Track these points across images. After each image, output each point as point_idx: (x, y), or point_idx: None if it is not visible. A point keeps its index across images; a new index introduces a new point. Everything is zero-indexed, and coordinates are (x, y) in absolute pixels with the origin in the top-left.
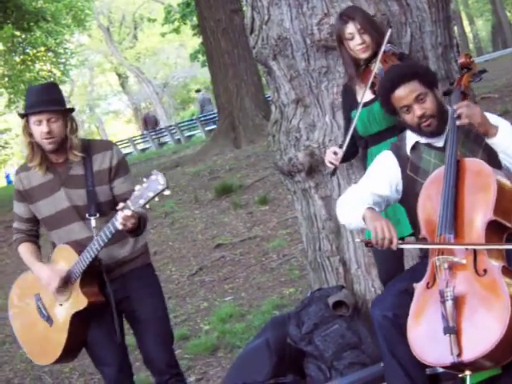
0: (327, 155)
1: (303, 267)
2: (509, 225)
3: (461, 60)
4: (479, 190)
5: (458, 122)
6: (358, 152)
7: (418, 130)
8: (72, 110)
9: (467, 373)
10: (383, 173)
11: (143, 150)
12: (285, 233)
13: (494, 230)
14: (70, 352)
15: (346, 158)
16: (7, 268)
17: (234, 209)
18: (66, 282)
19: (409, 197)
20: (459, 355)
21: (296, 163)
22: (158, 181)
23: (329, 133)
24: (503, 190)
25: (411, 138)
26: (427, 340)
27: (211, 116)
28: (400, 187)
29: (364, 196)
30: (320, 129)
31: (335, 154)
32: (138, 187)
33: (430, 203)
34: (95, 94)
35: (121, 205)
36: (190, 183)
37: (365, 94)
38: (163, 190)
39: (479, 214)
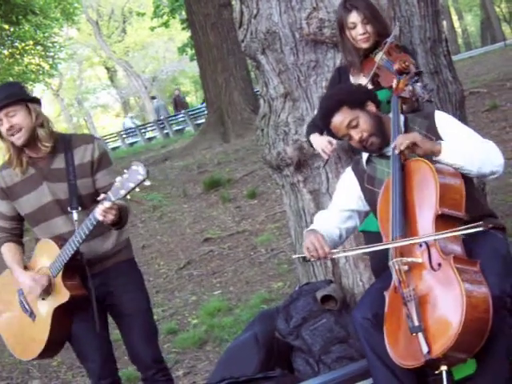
0: (321, 143)
1: (291, 261)
2: (460, 215)
3: (395, 66)
4: (423, 188)
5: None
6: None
7: (365, 150)
8: (30, 98)
9: (443, 368)
10: (345, 189)
11: (131, 144)
12: (273, 227)
13: (446, 223)
14: (52, 346)
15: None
16: None
17: (222, 203)
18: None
19: (373, 207)
20: (430, 352)
21: (285, 157)
22: (138, 171)
23: None
24: (445, 183)
25: (366, 153)
26: (400, 343)
27: (200, 110)
28: (364, 200)
29: (331, 217)
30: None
31: (330, 143)
32: (118, 178)
33: (385, 210)
34: (84, 88)
35: (102, 196)
36: (179, 177)
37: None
38: (143, 181)
39: (427, 210)
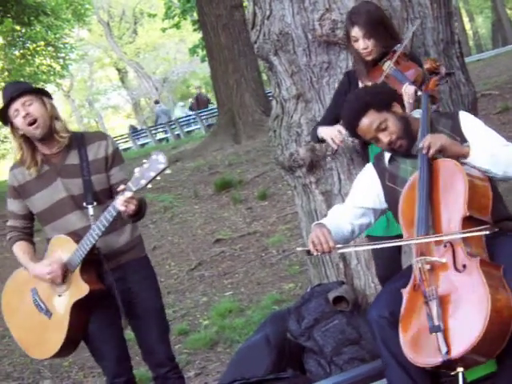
0: (330, 132)
1: (303, 263)
2: (485, 219)
3: (426, 66)
4: (452, 189)
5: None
6: None
7: (393, 152)
8: (43, 91)
9: (459, 369)
10: (364, 186)
11: (142, 145)
12: (284, 228)
13: (471, 226)
14: (69, 344)
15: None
16: (6, 262)
17: (233, 204)
18: (65, 272)
19: (392, 206)
20: (448, 353)
21: (297, 158)
22: (158, 160)
23: None
24: (475, 186)
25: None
26: (417, 342)
27: (211, 111)
28: (383, 198)
29: (345, 212)
30: None
31: (340, 132)
32: (137, 169)
33: (408, 209)
34: (95, 89)
35: (121, 186)
36: (190, 178)
37: None
38: (164, 169)
39: (454, 211)
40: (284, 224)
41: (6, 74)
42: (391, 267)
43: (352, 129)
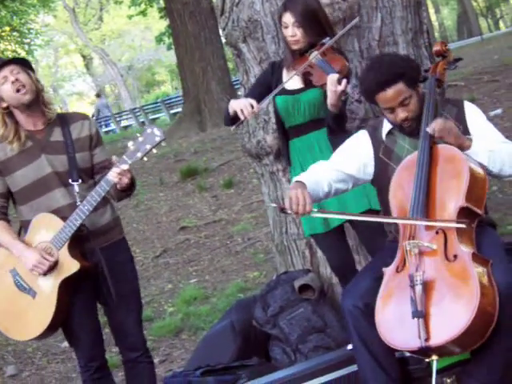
0: (241, 103)
1: (268, 251)
2: (479, 211)
3: (436, 48)
4: (452, 177)
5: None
6: None
7: (398, 127)
8: (29, 64)
9: (434, 357)
10: (355, 152)
11: (106, 132)
12: (250, 216)
13: (466, 217)
14: (54, 324)
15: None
16: None
17: (199, 192)
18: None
19: (380, 179)
20: (427, 340)
21: (264, 146)
22: (154, 133)
23: None
24: (475, 178)
25: (388, 123)
26: (395, 324)
27: (176, 99)
28: (370, 169)
29: (327, 170)
30: None
31: (251, 106)
32: (131, 142)
33: (402, 189)
34: (59, 75)
35: (114, 157)
36: (155, 166)
37: (293, 82)
38: (161, 141)
39: (451, 200)
40: (249, 212)
41: None
42: (342, 257)
43: (373, 91)
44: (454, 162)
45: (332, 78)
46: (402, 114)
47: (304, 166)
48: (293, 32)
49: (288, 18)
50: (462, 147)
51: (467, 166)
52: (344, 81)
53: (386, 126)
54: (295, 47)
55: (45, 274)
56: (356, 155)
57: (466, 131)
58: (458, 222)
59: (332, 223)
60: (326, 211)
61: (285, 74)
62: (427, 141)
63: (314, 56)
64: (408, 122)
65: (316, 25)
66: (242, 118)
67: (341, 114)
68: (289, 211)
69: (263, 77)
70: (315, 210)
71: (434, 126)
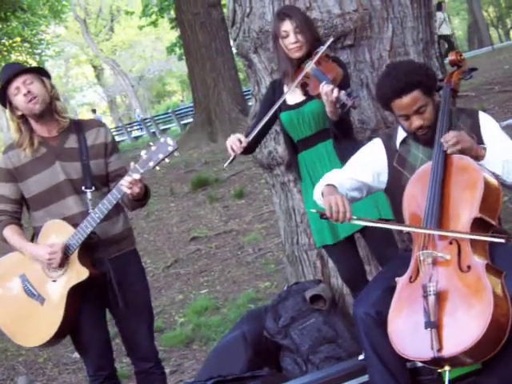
0: (230, 140)
1: (278, 261)
2: (493, 222)
3: (451, 57)
4: (466, 187)
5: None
6: (254, 150)
7: (412, 135)
8: (43, 71)
9: (446, 368)
10: (369, 160)
11: (118, 142)
12: (260, 227)
13: (479, 227)
14: (62, 332)
15: (248, 151)
16: None
17: (209, 202)
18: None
19: (394, 188)
20: (439, 350)
21: (275, 156)
22: (167, 143)
23: None
24: (489, 188)
25: (402, 131)
26: (408, 334)
27: (187, 110)
28: (384, 178)
29: (342, 179)
30: None
31: (239, 141)
32: (144, 152)
33: (416, 199)
34: (70, 86)
35: (132, 164)
36: (166, 176)
37: (295, 96)
38: (173, 151)
39: (465, 210)
40: (260, 223)
41: None
42: (351, 267)
43: (389, 98)
44: (469, 172)
45: (323, 87)
46: (417, 121)
47: (314, 178)
48: (295, 38)
49: (288, 26)
50: (476, 157)
51: (482, 177)
52: (335, 89)
53: (401, 135)
54: (297, 54)
55: (53, 280)
56: (370, 163)
57: (480, 141)
58: (492, 237)
59: (341, 234)
60: (364, 219)
61: (285, 89)
62: (442, 151)
63: (309, 65)
64: (423, 130)
65: (311, 31)
66: (232, 154)
67: (342, 120)
68: (329, 218)
69: (265, 98)
70: (355, 217)
71: (447, 140)
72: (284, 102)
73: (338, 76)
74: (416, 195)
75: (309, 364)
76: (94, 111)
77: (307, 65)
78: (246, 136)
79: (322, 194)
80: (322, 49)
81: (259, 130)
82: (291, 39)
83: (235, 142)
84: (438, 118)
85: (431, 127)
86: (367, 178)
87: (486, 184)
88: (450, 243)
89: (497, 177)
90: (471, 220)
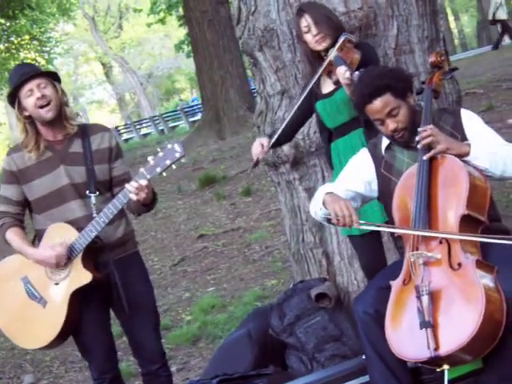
0: (254, 146)
1: (285, 259)
2: (482, 218)
3: (431, 59)
4: (452, 185)
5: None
6: (290, 140)
7: (391, 139)
8: (56, 75)
9: (445, 367)
10: (358, 170)
11: (126, 140)
12: (268, 224)
13: (468, 224)
14: (63, 334)
15: (276, 144)
16: None
17: (217, 200)
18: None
19: (384, 194)
20: (436, 349)
21: (281, 155)
22: (174, 149)
23: (313, 124)
24: (475, 185)
25: (386, 138)
26: (404, 336)
27: (196, 107)
28: (375, 186)
29: (337, 190)
30: None
31: (262, 146)
32: (151, 157)
33: (404, 201)
34: (79, 83)
35: (141, 169)
36: (174, 174)
37: (328, 85)
38: (181, 158)
39: (452, 208)
40: (267, 220)
41: None
42: (375, 261)
43: (362, 104)
44: (453, 171)
45: (339, 70)
46: (391, 125)
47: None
48: (317, 30)
49: (307, 19)
50: (461, 154)
51: (466, 174)
52: (347, 71)
53: (385, 142)
54: (320, 47)
55: (56, 283)
56: (360, 174)
57: (464, 139)
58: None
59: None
60: (372, 223)
61: (321, 83)
62: (425, 152)
63: (331, 53)
64: (398, 132)
65: (331, 21)
66: (254, 158)
67: None
68: (336, 224)
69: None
70: (362, 221)
71: (423, 134)
72: (319, 92)
73: (354, 60)
74: (404, 198)
75: (314, 362)
76: (77, 114)
77: (330, 52)
78: (270, 136)
79: (323, 203)
80: (343, 36)
81: (290, 121)
82: (313, 31)
83: (257, 147)
84: (421, 120)
85: (407, 129)
86: (359, 187)
87: (472, 181)
88: (440, 242)
89: (485, 171)
90: (459, 218)
